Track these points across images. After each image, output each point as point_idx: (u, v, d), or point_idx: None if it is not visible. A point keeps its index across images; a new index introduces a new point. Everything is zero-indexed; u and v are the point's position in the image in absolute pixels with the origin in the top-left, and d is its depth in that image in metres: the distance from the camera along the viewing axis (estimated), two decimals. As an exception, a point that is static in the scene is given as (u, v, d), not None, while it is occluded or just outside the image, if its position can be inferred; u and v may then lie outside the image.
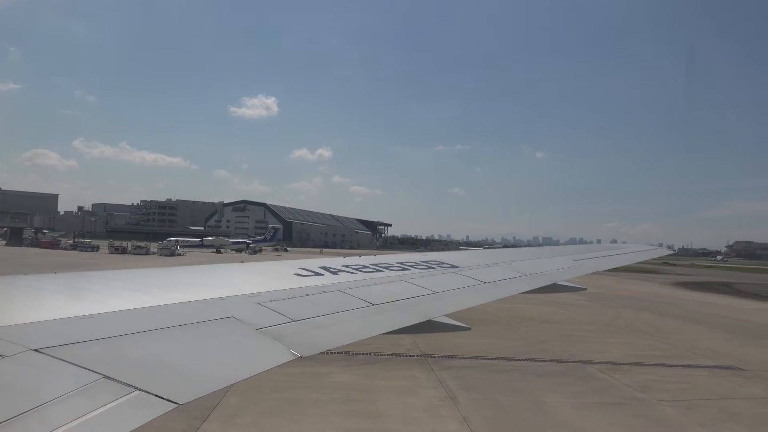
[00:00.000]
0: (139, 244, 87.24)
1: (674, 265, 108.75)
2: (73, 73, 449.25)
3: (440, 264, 5.76)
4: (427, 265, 5.56)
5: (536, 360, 16.99)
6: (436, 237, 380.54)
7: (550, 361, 17.01)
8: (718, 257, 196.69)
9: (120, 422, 1.83)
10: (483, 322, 21.85)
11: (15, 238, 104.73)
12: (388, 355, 16.27)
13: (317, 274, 4.48)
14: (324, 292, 3.93)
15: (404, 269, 5.18)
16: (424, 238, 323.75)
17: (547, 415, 11.74)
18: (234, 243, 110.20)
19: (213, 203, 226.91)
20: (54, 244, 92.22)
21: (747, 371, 16.72)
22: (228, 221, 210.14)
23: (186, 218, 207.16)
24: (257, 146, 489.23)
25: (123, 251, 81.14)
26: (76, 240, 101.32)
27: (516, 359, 16.89)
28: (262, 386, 12.06)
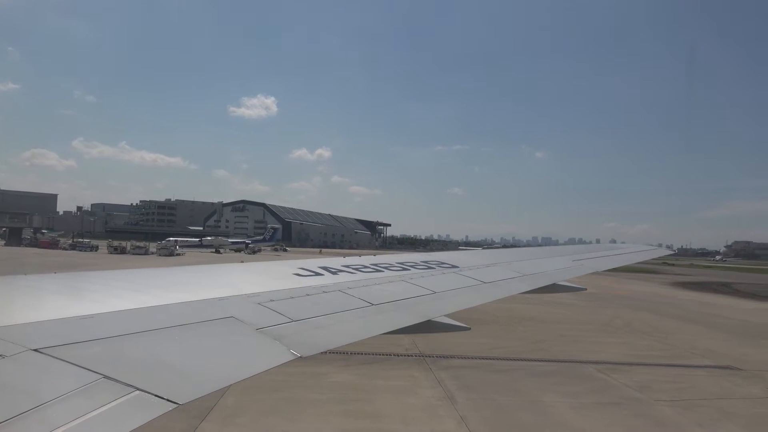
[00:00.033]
0: (138, 244, 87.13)
1: (673, 265, 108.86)
2: (72, 72, 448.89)
3: (440, 264, 5.76)
4: (427, 265, 5.56)
5: (534, 360, 17.01)
6: (436, 237, 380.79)
7: (549, 361, 17.02)
8: (717, 257, 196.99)
9: (120, 422, 1.83)
10: (482, 322, 21.86)
11: (14, 238, 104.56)
12: (387, 354, 16.27)
13: (317, 274, 4.48)
14: (324, 292, 3.93)
15: (404, 269, 5.18)
16: (423, 238, 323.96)
17: (545, 414, 11.75)
18: (233, 243, 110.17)
19: (212, 203, 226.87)
20: (53, 244, 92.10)
21: (745, 371, 16.75)
22: (227, 221, 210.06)
23: (185, 218, 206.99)
24: (256, 146, 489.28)
25: (122, 251, 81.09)
26: (75, 240, 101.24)
27: (514, 359, 16.91)
28: (261, 386, 12.06)
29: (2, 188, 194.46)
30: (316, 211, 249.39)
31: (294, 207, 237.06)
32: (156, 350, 2.47)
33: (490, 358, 16.76)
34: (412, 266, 5.39)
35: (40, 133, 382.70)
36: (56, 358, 2.13)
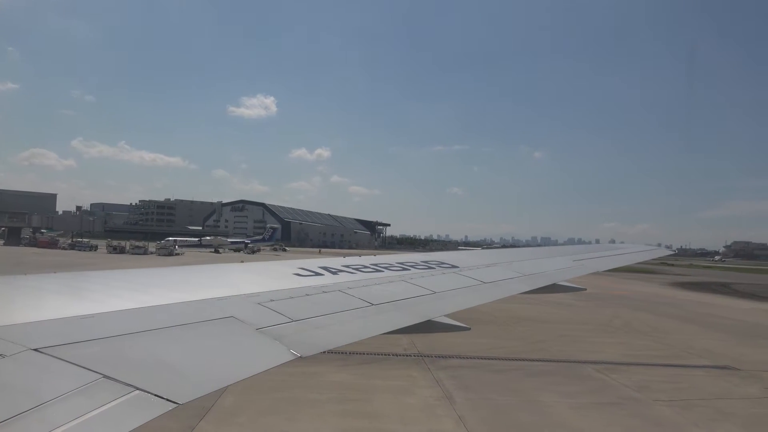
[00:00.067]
0: (137, 243, 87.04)
1: (672, 265, 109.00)
2: (71, 72, 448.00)
3: (440, 264, 5.76)
4: (427, 265, 5.56)
5: (533, 360, 17.01)
6: (435, 237, 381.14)
7: (547, 360, 17.03)
8: (717, 257, 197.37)
9: (120, 422, 1.83)
10: (480, 322, 21.87)
11: (13, 237, 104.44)
12: (385, 354, 16.28)
13: (317, 274, 4.47)
14: (324, 292, 3.93)
15: (404, 269, 5.18)
16: (422, 238, 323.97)
17: (543, 414, 11.76)
18: (232, 243, 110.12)
19: (211, 203, 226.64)
20: (52, 244, 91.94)
21: (743, 371, 16.77)
22: (226, 221, 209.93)
23: (184, 218, 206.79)
24: (256, 146, 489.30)
25: (121, 251, 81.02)
26: (74, 240, 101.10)
27: (513, 359, 16.92)
28: (259, 385, 12.05)
29: (1, 188, 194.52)
30: (316, 211, 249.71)
31: (293, 207, 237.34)
32: (156, 350, 2.46)
33: (489, 358, 16.76)
34: (412, 266, 5.38)
35: (40, 133, 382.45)
36: (56, 357, 2.12)
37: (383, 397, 12.37)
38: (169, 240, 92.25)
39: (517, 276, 5.94)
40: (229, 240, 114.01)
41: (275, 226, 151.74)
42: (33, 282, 3.38)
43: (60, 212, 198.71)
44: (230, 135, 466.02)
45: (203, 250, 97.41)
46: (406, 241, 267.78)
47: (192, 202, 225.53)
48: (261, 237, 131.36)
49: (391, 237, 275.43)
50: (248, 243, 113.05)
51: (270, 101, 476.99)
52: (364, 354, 15.95)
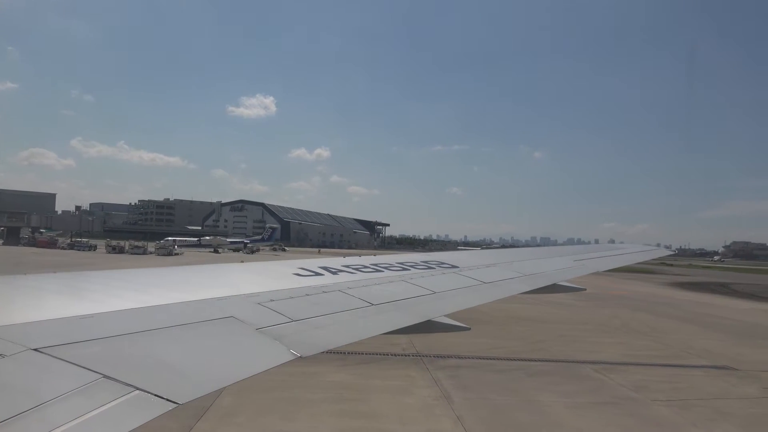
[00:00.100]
0: (136, 243, 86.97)
1: (672, 265, 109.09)
2: (70, 72, 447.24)
3: (440, 264, 5.76)
4: (427, 266, 5.56)
5: (532, 360, 17.02)
6: (434, 237, 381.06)
7: (546, 360, 17.04)
8: (716, 257, 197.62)
9: (120, 422, 1.82)
10: (479, 322, 21.87)
11: (12, 237, 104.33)
12: (384, 354, 16.28)
13: (317, 274, 4.47)
14: (324, 292, 3.92)
15: (404, 269, 5.18)
16: (422, 238, 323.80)
17: (541, 414, 11.76)
18: (232, 243, 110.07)
19: (211, 203, 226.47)
20: (51, 244, 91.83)
21: (741, 371, 16.79)
22: (226, 221, 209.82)
23: (184, 218, 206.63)
24: (255, 146, 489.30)
25: (120, 251, 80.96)
26: (73, 239, 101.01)
27: (511, 359, 16.92)
28: (257, 385, 12.04)
29: (0, 187, 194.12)
30: (315, 210, 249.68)
31: (293, 207, 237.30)
32: (156, 350, 2.46)
33: (488, 358, 16.77)
34: (412, 266, 5.38)
35: (39, 133, 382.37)
36: (56, 357, 2.12)
37: (381, 397, 12.37)
38: (168, 240, 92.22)
39: (517, 276, 5.94)
40: (228, 240, 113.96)
41: (274, 226, 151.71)
42: (33, 282, 3.37)
43: (59, 212, 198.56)
44: (230, 135, 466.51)
45: (202, 250, 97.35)
46: (406, 241, 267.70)
47: (191, 202, 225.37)
48: (260, 237, 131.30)
49: (391, 237, 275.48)
50: (247, 243, 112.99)
51: (269, 101, 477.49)
52: (362, 354, 15.94)
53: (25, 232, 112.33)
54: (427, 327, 3.76)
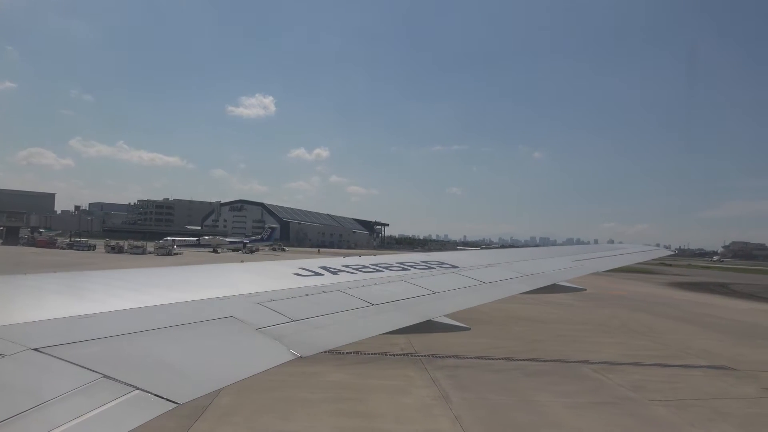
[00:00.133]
0: (135, 243, 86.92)
1: (671, 265, 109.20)
2: (70, 72, 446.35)
3: (440, 264, 5.76)
4: (427, 266, 5.56)
5: (530, 360, 17.03)
6: (434, 237, 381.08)
7: (544, 360, 17.05)
8: (715, 258, 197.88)
9: (119, 421, 1.82)
10: (480, 322, 21.88)
11: (11, 237, 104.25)
12: (382, 354, 16.29)
13: (317, 274, 4.47)
14: (324, 292, 3.93)
15: (404, 269, 5.18)
16: (421, 237, 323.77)
17: (539, 414, 11.77)
18: (231, 243, 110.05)
19: (210, 203, 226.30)
20: (50, 244, 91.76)
21: (739, 371, 16.81)
22: (225, 221, 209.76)
23: (183, 218, 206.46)
24: (255, 146, 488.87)
25: (119, 251, 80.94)
26: (72, 239, 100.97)
27: (510, 359, 16.93)
28: (256, 385, 12.04)
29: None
30: (314, 210, 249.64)
31: (292, 207, 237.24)
32: (156, 350, 2.46)
33: (487, 358, 16.78)
34: (412, 266, 5.38)
35: (38, 132, 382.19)
36: (56, 357, 2.12)
37: (379, 397, 12.38)
38: (167, 240, 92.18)
39: (517, 276, 5.94)
40: (227, 240, 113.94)
41: (274, 225, 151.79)
42: (33, 282, 3.37)
43: (58, 212, 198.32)
44: (229, 135, 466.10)
45: (201, 249, 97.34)
46: (405, 241, 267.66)
47: (191, 201, 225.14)
48: (259, 237, 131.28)
49: (390, 237, 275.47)
50: (247, 243, 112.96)
51: (269, 101, 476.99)
52: (361, 354, 15.95)
53: (24, 232, 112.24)
54: (427, 327, 3.76)
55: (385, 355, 16.28)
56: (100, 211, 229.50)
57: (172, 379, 2.23)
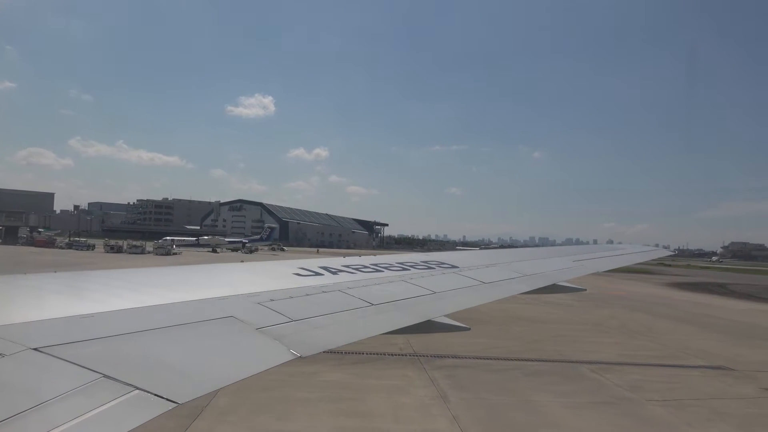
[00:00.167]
0: (134, 243, 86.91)
1: (670, 265, 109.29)
2: (69, 71, 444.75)
3: (440, 264, 5.77)
4: (427, 266, 5.57)
5: (529, 360, 17.05)
6: (433, 237, 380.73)
7: (543, 360, 17.07)
8: (714, 258, 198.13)
9: (119, 421, 1.83)
10: (479, 322, 21.89)
11: (10, 236, 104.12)
12: (381, 354, 16.29)
13: (317, 274, 4.47)
14: (324, 292, 3.93)
15: (404, 269, 5.19)
16: (420, 237, 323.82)
17: (537, 414, 11.79)
18: (230, 242, 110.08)
19: (209, 202, 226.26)
20: (49, 243, 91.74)
21: (737, 371, 16.83)
22: (224, 220, 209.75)
23: (182, 217, 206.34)
24: (254, 146, 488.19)
25: (119, 250, 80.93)
26: (71, 239, 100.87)
27: (508, 359, 16.95)
28: (255, 385, 12.04)
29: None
30: (314, 210, 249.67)
31: (291, 206, 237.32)
32: (156, 350, 2.46)
33: (485, 358, 16.79)
34: (412, 266, 5.39)
35: (37, 132, 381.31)
36: (56, 357, 2.12)
37: (378, 397, 12.39)
38: (166, 239, 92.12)
39: (517, 276, 5.95)
40: (226, 240, 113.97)
41: (273, 225, 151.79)
42: (33, 281, 3.36)
43: (57, 211, 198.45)
44: (228, 134, 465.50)
45: (201, 249, 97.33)
46: (404, 241, 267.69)
47: (190, 201, 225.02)
48: (259, 237, 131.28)
49: (389, 237, 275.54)
50: (246, 243, 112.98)
51: (268, 101, 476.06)
52: (360, 354, 15.95)
53: (23, 232, 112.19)
54: (427, 327, 3.77)
55: (384, 355, 16.29)
56: (100, 210, 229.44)
57: (172, 378, 2.23)
